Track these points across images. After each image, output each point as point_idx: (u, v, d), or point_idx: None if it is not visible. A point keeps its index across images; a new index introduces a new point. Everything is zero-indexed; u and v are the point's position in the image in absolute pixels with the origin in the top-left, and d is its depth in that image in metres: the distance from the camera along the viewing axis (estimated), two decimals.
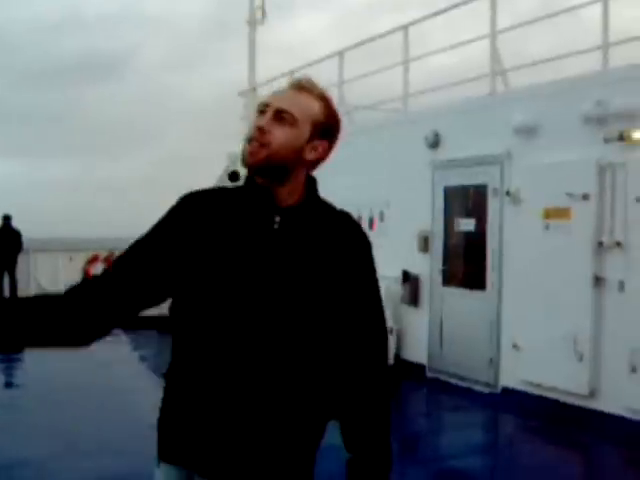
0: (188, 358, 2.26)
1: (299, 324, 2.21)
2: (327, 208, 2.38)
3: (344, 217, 2.38)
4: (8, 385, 10.45)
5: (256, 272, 2.19)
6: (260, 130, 2.22)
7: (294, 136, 2.25)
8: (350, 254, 2.30)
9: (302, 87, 2.29)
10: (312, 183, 2.36)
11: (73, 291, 2.21)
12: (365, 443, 2.30)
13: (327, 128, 2.31)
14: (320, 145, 2.30)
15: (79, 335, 2.20)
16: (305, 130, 2.26)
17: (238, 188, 2.34)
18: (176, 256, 2.23)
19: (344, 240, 2.31)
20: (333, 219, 2.35)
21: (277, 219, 2.25)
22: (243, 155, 2.25)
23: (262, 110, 2.26)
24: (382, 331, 2.39)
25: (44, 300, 2.21)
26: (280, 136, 2.22)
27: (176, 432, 2.27)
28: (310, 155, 2.28)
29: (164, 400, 2.34)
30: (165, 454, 2.30)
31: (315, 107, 2.28)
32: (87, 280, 2.26)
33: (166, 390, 2.33)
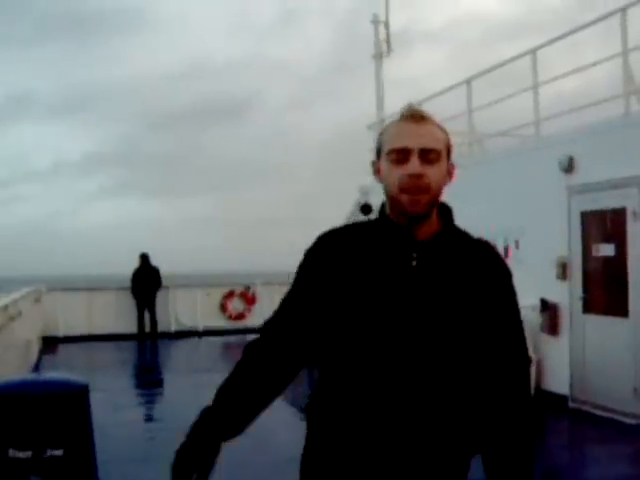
0: (334, 399, 2.26)
1: (442, 360, 2.18)
2: (464, 238, 2.32)
3: (483, 247, 2.33)
4: (148, 418, 10.74)
5: (396, 312, 2.17)
6: (416, 177, 2.17)
7: (442, 171, 2.24)
8: (491, 286, 2.25)
9: (424, 117, 2.25)
10: (447, 212, 2.31)
11: (251, 369, 2.34)
12: (508, 476, 2.24)
13: (450, 149, 2.29)
14: (453, 168, 2.29)
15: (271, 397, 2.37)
16: (444, 160, 2.24)
17: (371, 223, 2.32)
18: (320, 304, 2.27)
19: (484, 272, 2.26)
20: (471, 250, 2.29)
21: (414, 255, 2.22)
22: (399, 207, 2.21)
23: (400, 157, 2.20)
24: (524, 364, 2.33)
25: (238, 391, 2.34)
26: (435, 176, 2.20)
27: (323, 468, 2.27)
28: (449, 180, 2.27)
29: (309, 435, 2.34)
30: None
31: (440, 133, 2.25)
32: (257, 352, 2.36)
33: (311, 426, 2.34)
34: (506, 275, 2.32)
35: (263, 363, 2.33)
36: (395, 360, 2.16)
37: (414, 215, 2.20)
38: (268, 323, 2.41)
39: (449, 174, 2.27)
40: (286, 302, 2.39)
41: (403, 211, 2.20)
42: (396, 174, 2.19)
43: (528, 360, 2.35)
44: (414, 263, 2.21)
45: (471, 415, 2.25)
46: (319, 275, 2.29)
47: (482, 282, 2.24)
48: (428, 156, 2.19)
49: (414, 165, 2.17)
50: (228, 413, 2.32)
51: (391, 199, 2.24)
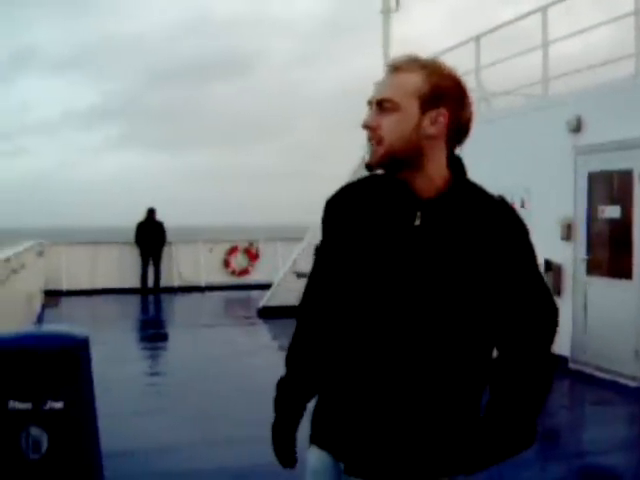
0: (338, 354, 2.25)
1: (437, 320, 2.11)
2: (477, 194, 2.22)
3: (495, 203, 2.21)
4: (151, 372, 10.78)
5: (395, 275, 2.12)
6: (368, 128, 2.18)
7: (400, 120, 2.14)
8: (502, 246, 2.14)
9: (397, 67, 2.18)
10: (458, 164, 2.23)
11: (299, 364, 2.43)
12: (502, 409, 2.17)
13: (438, 94, 2.14)
14: (440, 115, 2.15)
15: None
16: (412, 108, 2.14)
17: (379, 179, 2.25)
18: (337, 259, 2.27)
19: (494, 232, 2.14)
20: (482, 208, 2.18)
21: (418, 214, 2.14)
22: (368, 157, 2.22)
23: (369, 109, 2.21)
24: (546, 318, 2.24)
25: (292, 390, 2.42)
26: (387, 127, 2.15)
27: (327, 421, 2.28)
28: (431, 130, 2.15)
29: (321, 390, 2.35)
30: (316, 439, 2.32)
31: (414, 80, 2.14)
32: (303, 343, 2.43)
33: (324, 382, 2.35)
34: (520, 234, 2.21)
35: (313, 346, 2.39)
36: (389, 318, 2.13)
37: (369, 166, 2.21)
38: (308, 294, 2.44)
39: (434, 122, 2.15)
40: (318, 268, 2.39)
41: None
42: None
43: (552, 314, 2.26)
44: (417, 222, 2.13)
45: (476, 370, 2.19)
46: (335, 231, 2.28)
47: (492, 243, 2.13)
48: (382, 105, 2.16)
49: (367, 116, 2.19)
50: (305, 376, 2.41)
51: None
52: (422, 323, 2.12)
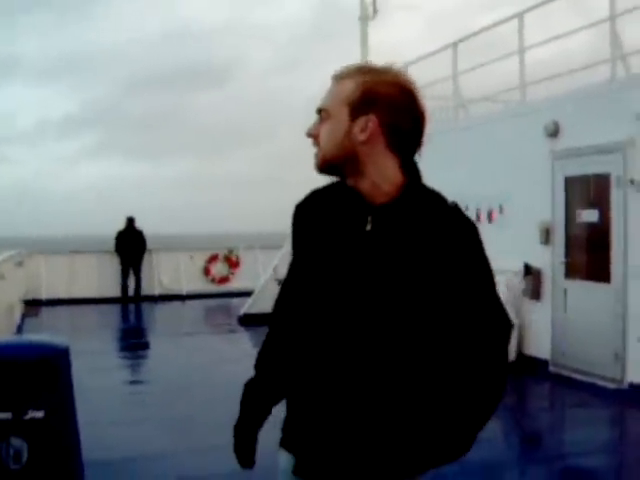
0: (297, 359, 2.30)
1: (391, 329, 2.11)
2: (430, 199, 2.18)
3: (448, 210, 2.17)
4: (132, 381, 10.74)
5: (345, 280, 2.15)
6: (309, 136, 2.26)
7: (331, 128, 2.19)
8: (450, 253, 2.10)
9: (338, 76, 2.23)
10: (413, 170, 2.21)
11: (266, 369, 2.47)
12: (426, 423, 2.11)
13: (369, 100, 2.14)
14: (368, 120, 2.14)
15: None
16: (341, 116, 2.17)
17: (338, 185, 2.27)
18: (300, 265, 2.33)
19: (444, 238, 2.10)
20: (434, 214, 2.14)
21: (369, 219, 2.15)
22: None
23: None
24: (496, 326, 2.16)
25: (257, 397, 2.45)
26: (322, 135, 2.21)
27: (289, 424, 2.34)
28: (362, 136, 2.14)
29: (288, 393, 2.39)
30: (283, 441, 2.36)
31: (347, 88, 2.17)
32: (270, 350, 2.50)
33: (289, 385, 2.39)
34: (470, 242, 2.16)
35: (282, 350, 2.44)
36: (340, 323, 2.15)
37: (317, 171, 2.27)
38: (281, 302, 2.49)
39: (363, 128, 2.15)
40: (289, 278, 2.43)
41: None
42: None
43: (501, 326, 2.19)
44: (368, 227, 2.15)
45: (423, 383, 2.14)
46: (300, 236, 2.33)
47: (441, 249, 2.10)
48: (320, 114, 2.23)
49: (311, 125, 2.26)
50: (272, 380, 2.44)
51: None
52: (371, 327, 2.12)
